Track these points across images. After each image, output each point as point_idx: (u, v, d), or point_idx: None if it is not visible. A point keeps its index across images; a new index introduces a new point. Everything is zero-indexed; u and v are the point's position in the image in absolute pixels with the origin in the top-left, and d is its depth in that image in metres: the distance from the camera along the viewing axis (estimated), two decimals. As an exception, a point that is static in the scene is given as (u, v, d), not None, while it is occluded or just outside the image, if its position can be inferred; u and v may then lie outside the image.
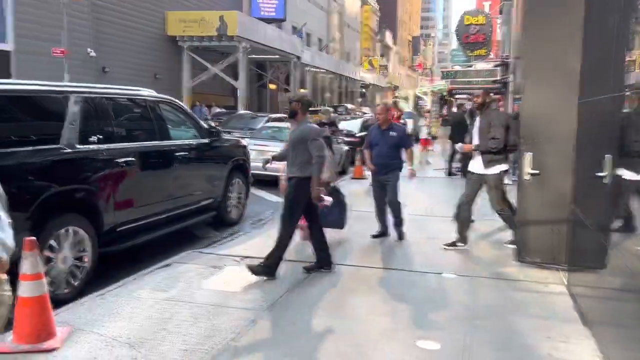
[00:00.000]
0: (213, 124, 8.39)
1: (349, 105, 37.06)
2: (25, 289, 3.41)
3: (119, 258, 5.50)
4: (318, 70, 38.86)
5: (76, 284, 4.60)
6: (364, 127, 14.86)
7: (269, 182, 10.64)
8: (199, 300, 4.41)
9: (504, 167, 5.70)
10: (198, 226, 7.05)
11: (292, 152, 5.04)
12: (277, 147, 11.10)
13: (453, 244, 6.01)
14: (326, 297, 4.54)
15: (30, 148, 4.28)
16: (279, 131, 12.72)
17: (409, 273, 5.20)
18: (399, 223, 6.41)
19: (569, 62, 4.92)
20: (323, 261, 5.19)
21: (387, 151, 6.32)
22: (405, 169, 6.52)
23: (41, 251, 3.97)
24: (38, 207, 4.20)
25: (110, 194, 5.01)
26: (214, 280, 4.90)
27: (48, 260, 4.25)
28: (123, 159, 5.17)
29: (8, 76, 17.40)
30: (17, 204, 4.06)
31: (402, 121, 16.81)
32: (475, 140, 5.78)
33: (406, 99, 42.11)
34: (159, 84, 24.11)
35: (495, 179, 5.66)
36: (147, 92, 6.11)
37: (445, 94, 28.54)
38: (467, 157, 6.35)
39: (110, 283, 4.87)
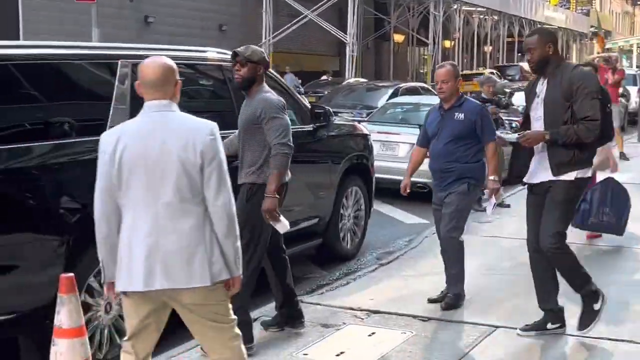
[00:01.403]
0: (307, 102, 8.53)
1: (526, 65, 36.17)
2: (60, 351, 3.71)
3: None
4: (473, 9, 38.39)
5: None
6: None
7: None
8: (305, 377, 4.54)
9: (583, 172, 4.94)
10: (295, 260, 7.23)
11: (241, 144, 4.94)
12: (413, 136, 11.18)
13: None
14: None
15: (55, 142, 4.64)
16: (415, 109, 12.74)
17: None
18: (454, 279, 5.87)
19: None
20: (287, 316, 5.25)
21: (447, 148, 5.75)
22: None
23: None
24: (72, 229, 4.56)
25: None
26: (327, 348, 5.01)
27: (85, 308, 4.59)
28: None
29: (17, 35, 19.12)
30: (45, 224, 4.48)
31: (621, 90, 16.03)
32: (538, 125, 5.00)
33: (629, 52, 40.25)
34: (225, 39, 25.23)
35: (566, 191, 4.92)
36: (219, 55, 6.40)
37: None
38: None
39: (172, 343, 5.15)
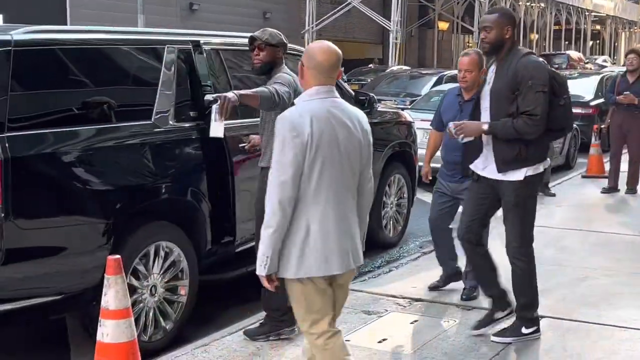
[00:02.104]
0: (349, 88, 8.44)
1: (574, 53, 35.59)
2: (107, 331, 3.78)
3: (209, 295, 5.79)
4: (520, -4, 37.84)
5: (168, 326, 4.99)
6: (603, 89, 14.17)
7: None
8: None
9: (534, 168, 4.64)
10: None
11: (262, 127, 4.84)
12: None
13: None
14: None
15: (102, 126, 4.68)
16: (460, 98, 12.62)
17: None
18: (472, 274, 5.54)
19: None
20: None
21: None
22: None
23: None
24: (118, 213, 4.62)
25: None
26: (369, 334, 5.02)
27: (131, 290, 4.65)
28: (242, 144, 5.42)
29: (64, 20, 19.40)
30: (92, 207, 4.55)
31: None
32: (485, 115, 4.70)
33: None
34: (269, 26, 25.06)
35: (516, 192, 4.63)
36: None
37: None
38: None
39: (209, 327, 5.23)
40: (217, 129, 4.45)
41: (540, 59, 4.77)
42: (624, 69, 10.35)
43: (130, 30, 5.42)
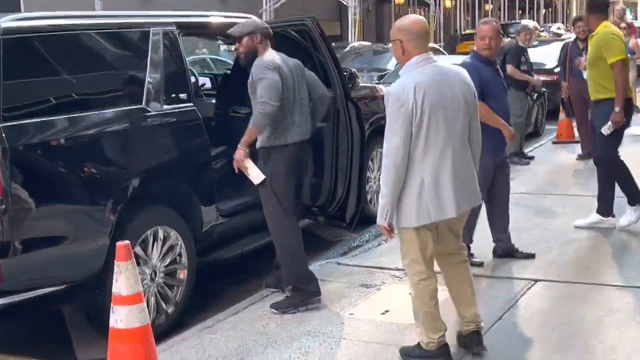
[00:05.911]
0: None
1: (529, 23, 35.83)
2: (120, 317, 3.76)
3: (204, 275, 5.79)
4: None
5: (170, 310, 4.99)
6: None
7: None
8: (355, 336, 4.62)
9: None
10: (320, 225, 7.28)
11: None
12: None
13: None
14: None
15: (91, 112, 4.60)
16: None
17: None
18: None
19: None
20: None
21: (506, 103, 5.70)
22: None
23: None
24: (117, 199, 4.59)
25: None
26: (371, 307, 5.09)
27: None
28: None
29: (17, 6, 18.96)
30: (83, 195, 4.50)
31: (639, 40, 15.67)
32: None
33: (633, 4, 39.92)
34: (227, 7, 25.00)
35: None
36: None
37: None
38: None
39: (212, 309, 5.24)
40: (255, 177, 4.88)
41: None
42: (574, 36, 10.55)
43: (116, 14, 5.32)
